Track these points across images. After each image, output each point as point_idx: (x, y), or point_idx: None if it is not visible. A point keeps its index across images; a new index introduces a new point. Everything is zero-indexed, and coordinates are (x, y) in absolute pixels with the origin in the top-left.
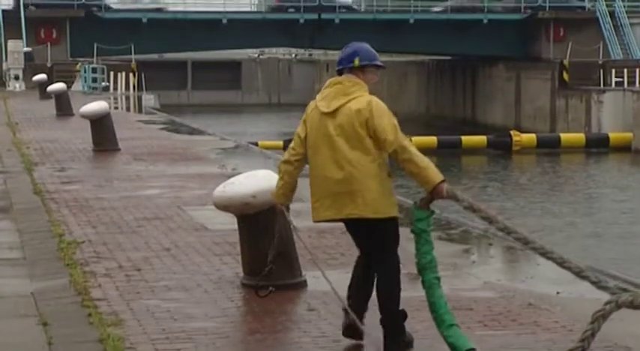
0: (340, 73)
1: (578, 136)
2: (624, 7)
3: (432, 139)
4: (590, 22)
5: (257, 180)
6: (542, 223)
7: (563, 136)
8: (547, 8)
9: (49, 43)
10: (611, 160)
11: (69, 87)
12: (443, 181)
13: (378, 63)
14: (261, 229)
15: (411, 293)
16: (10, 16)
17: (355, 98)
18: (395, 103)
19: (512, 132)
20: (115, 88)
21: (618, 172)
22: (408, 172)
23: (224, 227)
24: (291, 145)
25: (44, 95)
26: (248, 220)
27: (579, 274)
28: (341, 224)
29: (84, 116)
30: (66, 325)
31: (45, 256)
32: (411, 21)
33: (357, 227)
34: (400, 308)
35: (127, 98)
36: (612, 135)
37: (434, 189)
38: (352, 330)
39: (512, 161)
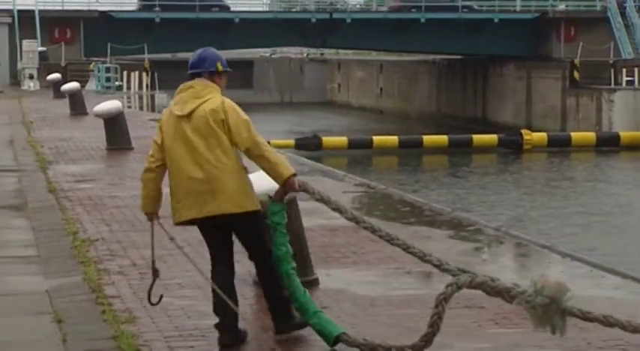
0: (192, 77)
1: (589, 135)
2: (635, 6)
3: (443, 138)
4: (601, 22)
5: (269, 179)
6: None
7: (574, 134)
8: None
9: (63, 43)
10: (622, 158)
11: (83, 86)
12: (294, 175)
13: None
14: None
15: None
16: (25, 16)
17: (209, 100)
18: (406, 102)
19: (522, 131)
20: (129, 88)
21: (623, 170)
22: (261, 168)
23: None
24: (150, 152)
25: (58, 94)
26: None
27: (423, 258)
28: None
29: (97, 115)
30: (80, 323)
31: (59, 253)
32: (422, 20)
33: (218, 225)
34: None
35: (140, 97)
36: (623, 134)
37: (285, 182)
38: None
39: (523, 160)
